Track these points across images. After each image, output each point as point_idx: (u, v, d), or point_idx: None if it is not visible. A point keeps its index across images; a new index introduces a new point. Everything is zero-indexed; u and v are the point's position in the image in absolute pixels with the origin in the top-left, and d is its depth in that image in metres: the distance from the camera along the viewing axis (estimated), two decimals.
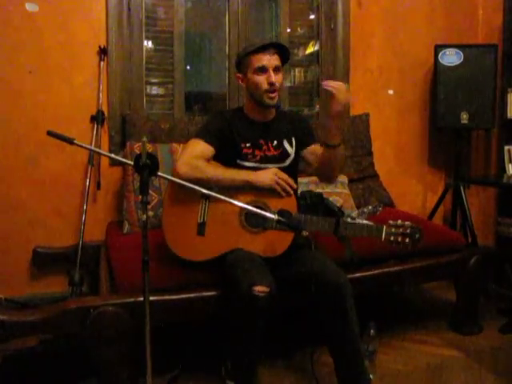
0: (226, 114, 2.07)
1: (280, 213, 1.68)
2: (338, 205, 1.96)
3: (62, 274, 2.66)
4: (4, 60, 2.52)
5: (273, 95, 1.93)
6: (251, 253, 1.85)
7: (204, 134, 1.96)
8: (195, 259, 1.90)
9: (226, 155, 1.97)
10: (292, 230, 1.73)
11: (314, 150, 2.04)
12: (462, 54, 3.05)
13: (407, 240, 1.84)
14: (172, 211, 1.93)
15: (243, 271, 1.72)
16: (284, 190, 1.89)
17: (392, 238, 1.85)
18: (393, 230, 1.86)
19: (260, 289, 1.64)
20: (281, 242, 1.88)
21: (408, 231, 1.85)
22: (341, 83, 1.83)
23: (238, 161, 1.98)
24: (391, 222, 1.87)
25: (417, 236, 1.85)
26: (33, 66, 2.57)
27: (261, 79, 1.92)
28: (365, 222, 1.89)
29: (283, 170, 1.96)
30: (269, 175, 1.90)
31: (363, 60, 3.23)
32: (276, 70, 1.93)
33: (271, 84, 1.91)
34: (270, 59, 1.92)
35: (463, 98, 3.06)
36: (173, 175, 1.84)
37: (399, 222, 1.86)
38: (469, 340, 2.40)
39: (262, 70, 1.92)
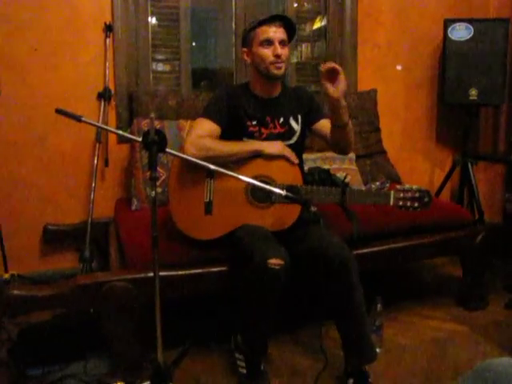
0: (231, 90, 2.04)
1: (288, 188, 1.68)
2: (345, 179, 1.93)
3: (73, 251, 2.70)
4: (10, 37, 2.51)
5: (279, 65, 1.90)
6: (261, 227, 1.86)
7: (210, 113, 1.95)
8: (205, 238, 1.92)
9: (232, 133, 1.96)
10: (300, 204, 1.73)
11: (324, 124, 2.02)
12: (472, 28, 3.00)
13: (416, 204, 1.83)
14: (178, 192, 1.93)
15: (256, 245, 1.73)
16: (292, 156, 1.91)
17: (401, 203, 1.84)
18: (401, 194, 1.84)
19: (275, 261, 1.65)
20: (289, 214, 1.89)
21: (417, 195, 1.84)
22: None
23: (245, 139, 1.98)
24: (399, 186, 1.87)
25: (426, 199, 1.84)
26: (39, 44, 2.56)
27: (266, 52, 1.90)
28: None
29: (289, 146, 1.97)
30: (277, 144, 1.93)
31: (371, 35, 3.19)
32: (282, 43, 1.91)
33: (277, 56, 1.89)
34: (276, 31, 1.90)
35: (472, 74, 3.02)
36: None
37: (407, 186, 1.86)
38: (475, 315, 2.42)
39: (268, 42, 1.89)
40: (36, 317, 2.06)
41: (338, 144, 1.97)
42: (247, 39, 1.97)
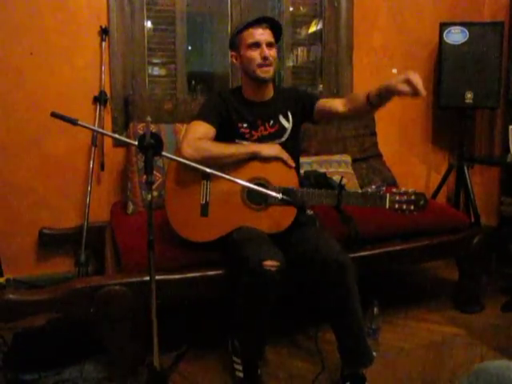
0: (223, 94, 2.05)
1: (284, 191, 1.68)
2: (341, 182, 1.93)
3: (69, 255, 2.70)
4: (5, 41, 2.51)
5: (267, 68, 1.91)
6: (256, 229, 1.86)
7: (204, 115, 1.96)
8: (201, 240, 1.91)
9: (224, 135, 1.97)
10: (295, 207, 1.73)
11: (323, 104, 2.01)
12: (467, 31, 3.01)
13: (412, 207, 1.84)
14: (174, 194, 1.93)
15: (251, 247, 1.73)
16: (288, 159, 1.91)
17: (397, 206, 1.85)
18: (397, 197, 1.85)
19: (270, 263, 1.65)
20: (285, 217, 1.88)
21: (412, 198, 1.85)
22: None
23: (237, 140, 1.98)
24: (394, 190, 1.88)
25: (421, 202, 1.85)
26: (34, 48, 2.56)
27: (254, 54, 1.91)
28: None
29: (281, 144, 1.98)
30: (274, 146, 1.94)
31: (367, 39, 3.20)
32: (269, 45, 1.92)
33: (265, 58, 1.89)
34: (262, 33, 1.91)
35: (468, 77, 3.03)
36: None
37: (403, 189, 1.87)
38: (471, 318, 2.42)
39: (255, 45, 1.90)
40: (31, 321, 2.05)
41: (360, 114, 2.02)
42: (235, 42, 1.98)
